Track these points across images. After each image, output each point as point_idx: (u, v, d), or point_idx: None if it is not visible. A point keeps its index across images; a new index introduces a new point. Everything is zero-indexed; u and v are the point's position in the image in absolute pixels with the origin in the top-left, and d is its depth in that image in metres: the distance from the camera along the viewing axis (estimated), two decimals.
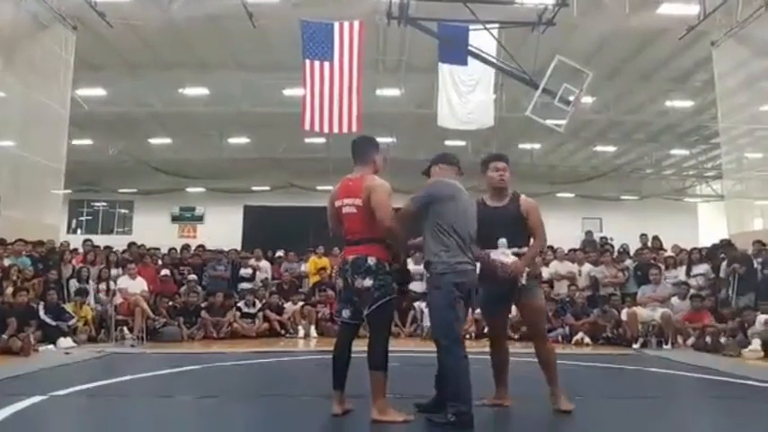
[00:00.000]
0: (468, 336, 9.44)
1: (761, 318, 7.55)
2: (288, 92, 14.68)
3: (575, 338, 8.92)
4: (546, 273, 10.28)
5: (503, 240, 3.94)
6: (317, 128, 10.17)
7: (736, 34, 11.56)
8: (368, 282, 3.65)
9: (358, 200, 3.74)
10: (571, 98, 10.63)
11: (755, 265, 8.89)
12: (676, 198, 24.66)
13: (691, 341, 8.32)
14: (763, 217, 18.67)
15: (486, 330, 9.54)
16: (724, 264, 9.16)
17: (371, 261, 3.68)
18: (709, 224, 23.29)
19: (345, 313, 3.83)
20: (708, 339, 8.01)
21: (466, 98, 11.63)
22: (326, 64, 9.99)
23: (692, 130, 18.69)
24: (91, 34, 12.14)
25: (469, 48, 10.64)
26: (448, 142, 18.39)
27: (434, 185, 3.84)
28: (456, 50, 10.71)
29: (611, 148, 21.17)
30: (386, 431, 3.49)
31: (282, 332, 9.81)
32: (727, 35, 11.83)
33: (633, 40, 12.81)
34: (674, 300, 9.09)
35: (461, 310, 3.70)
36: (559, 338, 8.97)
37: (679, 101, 16.32)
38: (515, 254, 3.92)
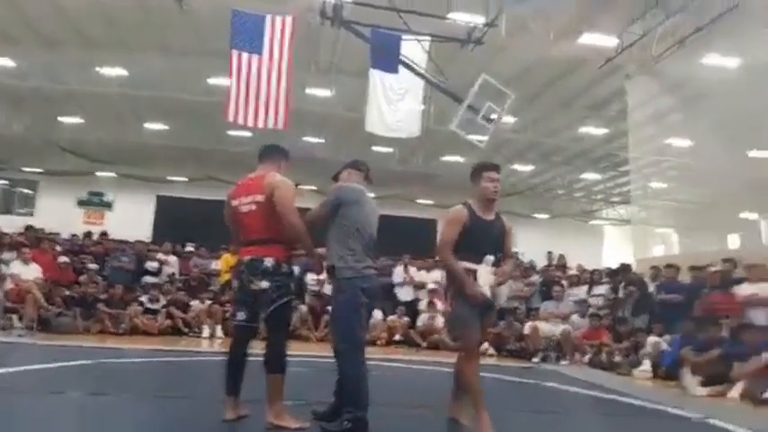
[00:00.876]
0: (378, 342, 9.52)
1: (651, 339, 8.02)
2: (213, 81, 14.23)
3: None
4: None
5: (490, 258, 3.72)
6: (241, 120, 9.87)
7: (650, 69, 12.33)
8: (264, 283, 3.54)
9: (259, 196, 3.64)
10: (493, 116, 10.94)
11: (651, 289, 9.47)
12: (584, 220, 25.98)
13: (587, 358, 8.73)
14: (664, 243, 20.07)
15: (397, 337, 9.86)
16: (622, 286, 9.71)
17: (269, 262, 3.56)
18: (614, 247, 24.74)
19: (241, 316, 3.71)
20: (603, 357, 8.44)
21: (395, 106, 11.71)
22: (255, 57, 9.72)
23: (603, 156, 19.73)
24: (6, 2, 11.29)
25: (401, 57, 10.72)
26: (376, 148, 18.48)
27: (342, 189, 3.81)
28: (387, 58, 10.76)
29: (528, 168, 21.97)
30: None
31: (186, 331, 9.44)
32: (640, 70, 12.60)
33: (555, 67, 13.35)
34: (575, 317, 9.54)
35: (365, 316, 3.68)
36: None
37: (594, 128, 17.18)
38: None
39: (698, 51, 11.12)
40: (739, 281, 8.04)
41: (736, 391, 6.16)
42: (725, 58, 11.40)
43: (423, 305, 10.54)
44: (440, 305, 10.05)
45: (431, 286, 10.62)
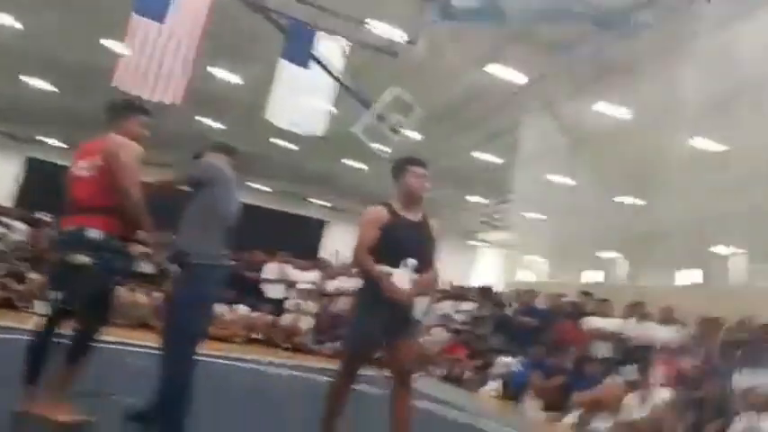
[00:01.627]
0: (236, 339, 9.02)
1: (503, 360, 8.32)
2: (107, 42, 13.05)
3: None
4: (331, 286, 10.52)
5: (413, 261, 3.29)
6: (129, 89, 9.11)
7: (546, 109, 13.07)
8: (85, 258, 3.05)
9: (97, 160, 3.20)
10: (399, 128, 11.03)
11: (511, 312, 9.84)
12: (463, 240, 26.98)
13: (441, 372, 8.87)
14: (532, 270, 21.35)
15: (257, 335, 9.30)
16: (486, 305, 10.11)
17: (94, 234, 3.07)
18: (487, 268, 25.98)
19: (54, 295, 3.21)
20: (457, 372, 8.63)
21: (300, 101, 11.44)
22: (158, 25, 9.02)
23: (491, 182, 20.60)
24: None
25: (315, 54, 10.48)
26: (277, 140, 17.96)
27: (212, 166, 3.46)
28: (301, 51, 10.43)
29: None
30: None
31: (20, 305, 8.40)
32: (537, 107, 13.32)
33: (462, 91, 13.72)
34: (438, 330, 9.76)
35: (210, 308, 3.44)
36: (327, 352, 8.98)
37: (487, 154, 17.89)
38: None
39: (592, 99, 11.94)
40: (589, 314, 8.60)
41: (570, 419, 6.51)
42: (614, 108, 12.32)
43: (290, 304, 10.11)
44: (310, 305, 9.84)
45: (302, 286, 10.33)
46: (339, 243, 17.79)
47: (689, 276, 14.29)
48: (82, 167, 3.23)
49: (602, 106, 12.30)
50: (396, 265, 3.29)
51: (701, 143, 11.47)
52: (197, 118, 17.43)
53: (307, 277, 10.70)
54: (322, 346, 9.21)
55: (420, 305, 3.42)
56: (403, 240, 3.36)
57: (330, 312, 9.95)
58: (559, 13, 9.15)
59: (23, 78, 16.84)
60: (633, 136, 11.84)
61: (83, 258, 3.03)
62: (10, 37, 13.58)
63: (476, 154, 18.04)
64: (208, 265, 3.21)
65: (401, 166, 3.60)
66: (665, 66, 9.94)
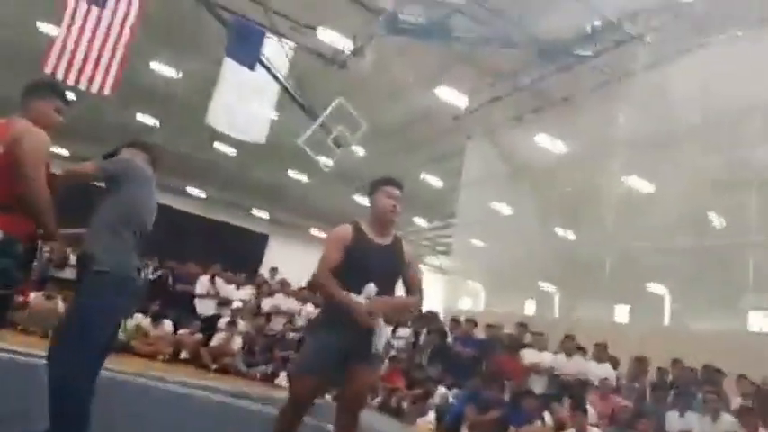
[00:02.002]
0: (160, 357, 8.52)
1: (440, 390, 8.09)
2: (44, 27, 12.53)
3: (276, 380, 8.45)
4: (267, 305, 10.13)
5: (371, 286, 3.07)
6: (60, 76, 8.66)
7: (489, 136, 13.24)
8: None
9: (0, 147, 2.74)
10: (343, 143, 10.91)
11: (449, 340, 9.77)
12: None
13: (377, 401, 8.60)
14: (472, 297, 21.41)
15: (183, 355, 8.75)
16: (425, 332, 9.92)
17: None
18: (427, 293, 25.91)
19: None
20: (393, 402, 8.36)
21: (244, 105, 11.17)
22: (96, 10, 8.67)
23: (434, 205, 20.72)
24: None
25: (261, 55, 10.27)
26: (217, 144, 17.57)
27: (130, 162, 3.15)
28: (246, 51, 10.16)
29: (364, 202, 22.33)
30: None
31: None
32: (481, 134, 13.50)
33: (408, 110, 13.79)
34: None
35: (115, 323, 3.07)
36: (258, 375, 8.55)
37: (431, 177, 17.98)
38: None
39: (532, 129, 12.17)
40: (526, 346, 8.55)
41: None
42: (554, 141, 12.59)
43: (222, 323, 9.33)
44: (242, 325, 9.31)
45: (236, 304, 9.72)
46: (280, 259, 17.40)
47: (622, 312, 14.59)
48: None
49: (541, 138, 12.56)
50: (357, 291, 3.07)
51: (634, 181, 11.81)
52: (138, 116, 16.91)
53: (240, 294, 10.19)
54: (253, 369, 8.70)
55: (382, 332, 3.11)
56: (366, 265, 3.13)
57: (264, 333, 9.53)
58: (504, 40, 9.28)
59: None
60: (569, 169, 12.10)
61: None
62: None
63: (421, 176, 18.13)
64: (116, 275, 2.90)
65: (375, 185, 3.40)
66: (601, 101, 10.23)
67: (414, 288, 3.34)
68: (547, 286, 18.54)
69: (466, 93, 12.00)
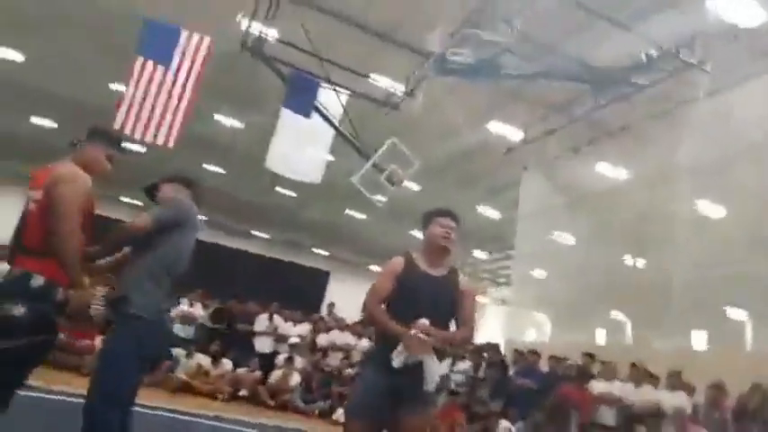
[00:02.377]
0: (219, 396, 8.63)
1: (503, 425, 7.98)
2: (115, 87, 13.38)
3: (334, 415, 8.57)
4: (323, 340, 10.26)
5: (424, 321, 2.94)
6: (129, 131, 9.24)
7: (545, 167, 13.10)
8: (20, 310, 2.56)
9: (40, 191, 2.73)
10: (397, 180, 11.04)
11: (510, 373, 9.57)
12: None
13: None
14: (536, 329, 20.89)
15: (242, 392, 8.65)
16: (485, 365, 9.77)
17: (38, 281, 2.61)
18: (489, 326, 25.44)
19: None
20: None
21: (301, 149, 11.54)
22: (161, 69, 9.23)
23: (493, 238, 20.51)
24: None
25: (316, 103, 10.63)
26: (278, 188, 18.12)
27: (185, 206, 3.19)
28: (302, 101, 10.59)
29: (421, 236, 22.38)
30: None
31: None
32: (537, 165, 13.36)
33: (462, 146, 13.84)
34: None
35: (145, 369, 3.21)
36: (315, 411, 8.66)
37: (488, 209, 17.86)
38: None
39: (590, 158, 11.96)
40: (594, 377, 8.28)
41: None
42: (614, 168, 12.31)
43: (280, 360, 9.57)
44: (299, 362, 9.48)
45: (293, 340, 9.92)
46: (340, 295, 17.61)
47: (700, 338, 13.90)
48: (31, 200, 2.82)
49: (601, 166, 12.31)
50: (407, 322, 2.95)
51: (704, 205, 11.38)
52: (204, 165, 17.66)
53: (297, 330, 10.41)
54: (311, 405, 8.86)
55: (432, 369, 2.96)
56: (418, 297, 3.04)
57: (321, 368, 9.67)
58: (556, 74, 9.25)
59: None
60: (631, 196, 11.78)
61: (14, 310, 2.56)
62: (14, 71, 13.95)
63: (478, 209, 18.05)
64: (153, 321, 2.98)
65: (428, 216, 3.38)
66: (662, 128, 9.98)
67: (464, 320, 3.19)
68: (617, 314, 17.90)
69: (520, 127, 11.96)
